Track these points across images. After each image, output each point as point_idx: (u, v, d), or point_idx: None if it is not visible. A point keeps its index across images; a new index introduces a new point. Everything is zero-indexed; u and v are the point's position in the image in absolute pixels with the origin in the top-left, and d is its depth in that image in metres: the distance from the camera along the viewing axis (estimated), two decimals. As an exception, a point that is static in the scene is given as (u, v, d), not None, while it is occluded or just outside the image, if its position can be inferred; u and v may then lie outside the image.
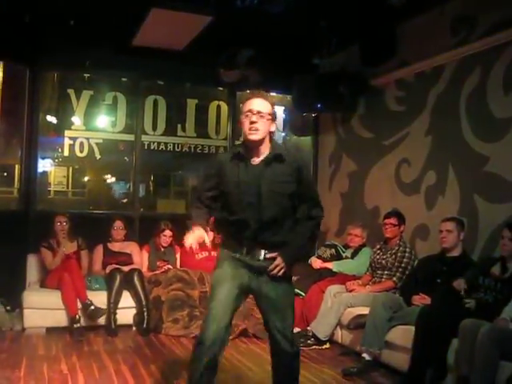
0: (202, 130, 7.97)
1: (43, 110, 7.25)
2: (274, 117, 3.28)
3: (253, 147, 3.25)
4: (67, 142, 7.47)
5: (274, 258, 3.24)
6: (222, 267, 3.35)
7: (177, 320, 6.02)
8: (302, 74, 6.92)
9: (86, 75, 7.53)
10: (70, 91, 7.40)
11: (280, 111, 8.30)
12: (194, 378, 3.21)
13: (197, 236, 3.27)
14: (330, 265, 6.40)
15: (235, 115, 7.87)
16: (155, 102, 7.71)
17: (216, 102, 8.03)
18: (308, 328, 5.68)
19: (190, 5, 5.66)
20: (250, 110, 3.18)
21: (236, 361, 5.12)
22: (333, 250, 6.70)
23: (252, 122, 3.15)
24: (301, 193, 3.28)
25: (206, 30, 6.18)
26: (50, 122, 7.52)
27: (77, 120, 7.47)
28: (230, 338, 5.66)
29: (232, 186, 3.24)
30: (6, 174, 8.25)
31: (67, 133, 7.48)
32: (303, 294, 6.01)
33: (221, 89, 8.02)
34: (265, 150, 3.25)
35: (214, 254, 6.63)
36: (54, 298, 5.93)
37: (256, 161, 3.25)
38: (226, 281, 3.27)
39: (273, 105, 3.31)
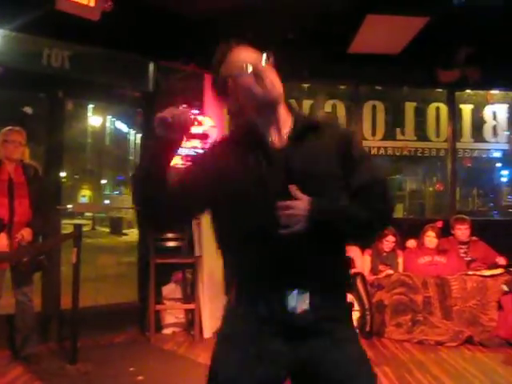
0: (421, 133, 7.85)
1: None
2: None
3: (268, 119, 1.92)
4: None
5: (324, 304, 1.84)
6: (227, 358, 1.89)
7: (400, 324, 6.00)
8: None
9: (306, 85, 7.78)
10: (291, 101, 7.67)
11: (503, 109, 7.92)
12: None
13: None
14: None
15: (455, 116, 7.68)
16: (374, 108, 7.76)
17: (435, 104, 7.86)
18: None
19: (405, 8, 5.65)
20: (242, 67, 1.89)
21: (462, 369, 4.98)
22: None
23: (260, 78, 1.88)
24: (356, 181, 1.88)
25: (422, 31, 6.11)
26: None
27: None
28: (454, 344, 5.60)
29: (242, 190, 1.84)
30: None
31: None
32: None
33: (439, 90, 7.86)
34: (286, 122, 1.94)
35: (437, 258, 6.53)
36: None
37: (277, 140, 1.92)
38: None
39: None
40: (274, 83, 1.88)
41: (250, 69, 1.87)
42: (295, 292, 1.80)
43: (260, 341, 1.82)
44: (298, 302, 1.79)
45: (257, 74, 1.87)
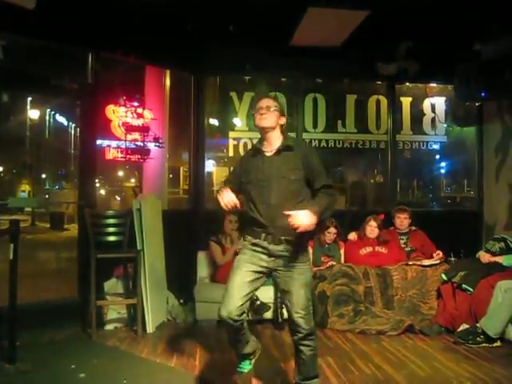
0: (362, 126, 7.94)
1: (207, 114, 7.60)
2: (281, 111, 3.76)
3: (266, 138, 3.73)
4: (231, 142, 7.78)
5: (291, 242, 3.58)
6: (242, 253, 3.73)
7: (342, 315, 6.06)
8: (464, 62, 6.68)
9: (247, 77, 7.78)
10: (232, 94, 7.70)
11: (441, 102, 8.08)
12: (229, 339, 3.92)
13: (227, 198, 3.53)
14: (499, 259, 6.13)
15: (395, 109, 7.80)
16: (315, 100, 7.81)
17: (375, 97, 7.97)
18: (477, 325, 5.48)
19: (346, 1, 5.68)
20: (260, 108, 3.70)
21: (403, 356, 5.07)
22: (502, 244, 6.40)
23: (262, 114, 3.67)
24: (312, 177, 3.63)
25: (362, 25, 6.16)
26: (214, 125, 7.89)
27: (239, 121, 7.75)
28: (396, 333, 5.70)
29: (252, 176, 3.69)
30: (171, 175, 8.71)
31: (231, 134, 7.80)
32: (471, 290, 5.79)
33: (379, 83, 7.95)
34: (277, 142, 3.71)
35: (378, 249, 6.61)
36: (223, 292, 6.16)
37: (269, 152, 3.70)
38: (242, 266, 3.65)
39: (279, 103, 3.80)
40: (267, 118, 3.67)
41: (259, 110, 3.70)
42: (281, 236, 3.59)
43: (254, 253, 3.67)
44: (280, 239, 3.61)
45: (261, 112, 3.68)
